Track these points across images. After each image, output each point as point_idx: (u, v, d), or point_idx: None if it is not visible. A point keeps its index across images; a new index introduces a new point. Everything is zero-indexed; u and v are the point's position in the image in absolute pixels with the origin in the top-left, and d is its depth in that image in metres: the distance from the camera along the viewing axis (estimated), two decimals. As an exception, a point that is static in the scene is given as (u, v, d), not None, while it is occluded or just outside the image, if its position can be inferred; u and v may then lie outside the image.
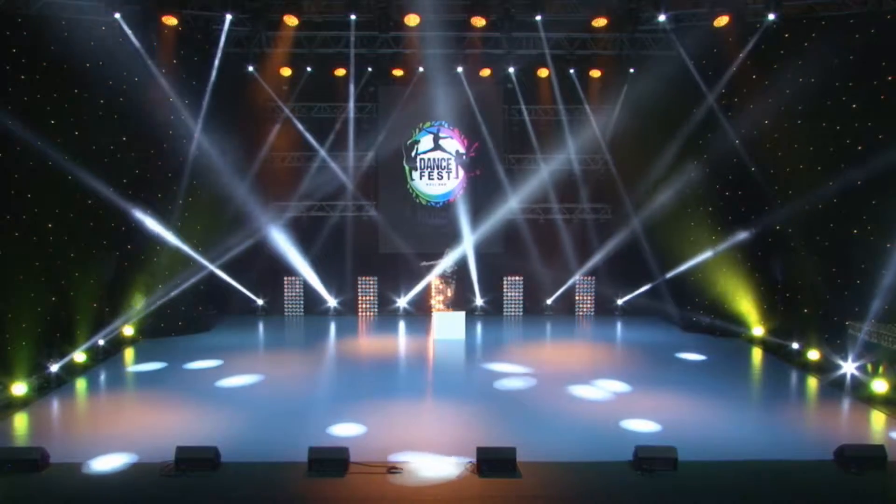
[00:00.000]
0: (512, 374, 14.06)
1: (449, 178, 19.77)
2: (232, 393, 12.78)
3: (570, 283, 20.05)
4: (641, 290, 19.55)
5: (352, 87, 18.87)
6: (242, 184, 18.04)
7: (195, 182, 17.01)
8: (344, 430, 10.61)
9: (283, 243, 19.11)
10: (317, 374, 14.48)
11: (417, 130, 19.75)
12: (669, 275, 18.29)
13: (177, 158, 16.73)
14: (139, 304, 16.42)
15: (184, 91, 16.58)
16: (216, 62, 16.86)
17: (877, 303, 14.22)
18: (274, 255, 19.18)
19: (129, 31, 15.59)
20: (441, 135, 19.74)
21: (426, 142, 19.77)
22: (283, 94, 19.28)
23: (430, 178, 19.70)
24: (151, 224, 16.39)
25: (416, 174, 19.79)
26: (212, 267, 17.71)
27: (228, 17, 16.46)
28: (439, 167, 19.77)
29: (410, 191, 19.85)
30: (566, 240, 19.84)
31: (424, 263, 18.27)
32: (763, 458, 9.38)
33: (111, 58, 15.38)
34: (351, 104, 19.16)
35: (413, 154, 19.74)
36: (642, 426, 10.85)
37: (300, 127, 19.50)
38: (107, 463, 9.25)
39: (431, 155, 19.76)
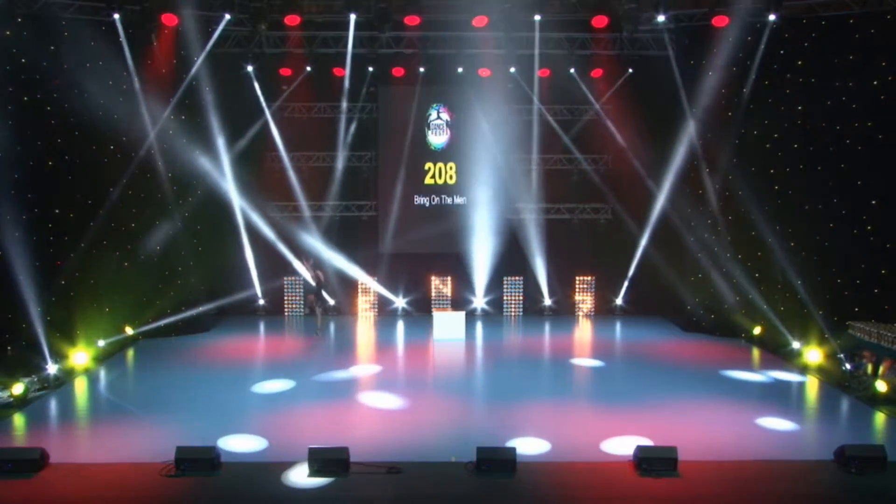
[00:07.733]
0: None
1: (444, 135, 20.22)
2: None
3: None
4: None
5: (353, 85, 18.83)
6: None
7: (194, 182, 17.05)
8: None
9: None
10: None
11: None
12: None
13: (177, 158, 16.73)
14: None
15: (183, 91, 16.59)
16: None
17: (876, 302, 14.26)
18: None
19: (124, 33, 15.61)
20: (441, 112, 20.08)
21: (434, 114, 20.07)
22: (282, 93, 19.27)
23: (435, 134, 20.27)
24: (151, 223, 16.42)
25: (429, 132, 20.14)
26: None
27: (227, 16, 16.46)
28: (440, 127, 20.19)
29: (428, 145, 20.13)
30: (568, 239, 19.89)
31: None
32: (763, 458, 9.38)
33: (111, 57, 15.39)
34: (354, 104, 19.16)
35: (429, 121, 20.11)
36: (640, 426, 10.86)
37: (299, 127, 19.46)
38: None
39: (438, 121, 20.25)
